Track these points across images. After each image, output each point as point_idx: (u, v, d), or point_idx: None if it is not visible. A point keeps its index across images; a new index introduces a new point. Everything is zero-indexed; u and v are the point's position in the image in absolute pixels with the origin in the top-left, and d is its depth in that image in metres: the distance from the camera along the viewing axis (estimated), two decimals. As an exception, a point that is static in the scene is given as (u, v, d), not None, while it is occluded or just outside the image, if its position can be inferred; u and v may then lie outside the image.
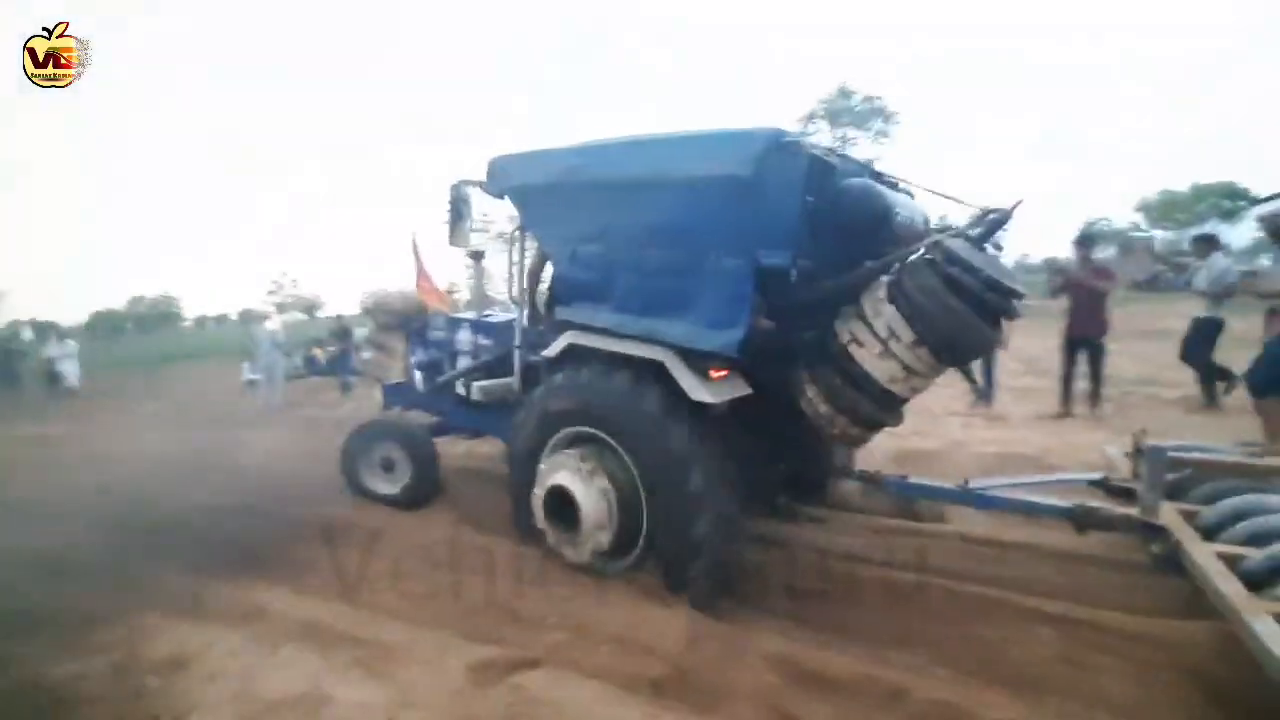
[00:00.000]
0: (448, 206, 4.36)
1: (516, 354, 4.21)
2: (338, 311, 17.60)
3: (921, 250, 2.97)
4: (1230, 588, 2.31)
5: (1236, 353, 6.26)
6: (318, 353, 15.92)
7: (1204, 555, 2.56)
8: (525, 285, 4.19)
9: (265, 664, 2.73)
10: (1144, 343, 10.52)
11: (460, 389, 4.64)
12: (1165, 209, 41.07)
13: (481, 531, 4.02)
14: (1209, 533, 2.80)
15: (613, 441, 3.27)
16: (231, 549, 4.08)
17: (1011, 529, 3.98)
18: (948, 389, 8.76)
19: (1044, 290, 7.90)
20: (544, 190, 3.64)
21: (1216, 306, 6.73)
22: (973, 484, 3.55)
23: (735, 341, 2.90)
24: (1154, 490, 2.94)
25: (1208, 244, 7.07)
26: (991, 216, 3.09)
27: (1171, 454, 3.10)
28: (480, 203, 4.33)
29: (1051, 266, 7.63)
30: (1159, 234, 41.33)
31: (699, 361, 3.09)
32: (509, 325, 4.44)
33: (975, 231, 3.07)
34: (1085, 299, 6.87)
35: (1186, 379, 7.28)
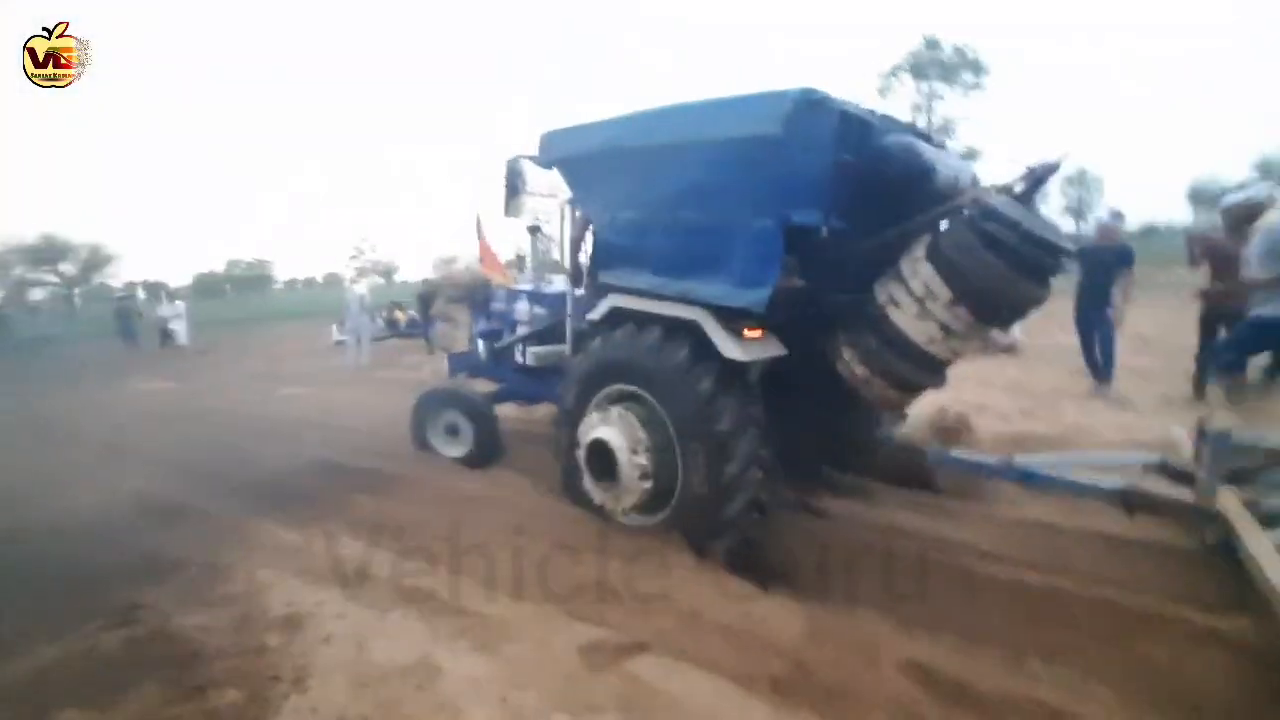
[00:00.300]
0: (504, 180, 4.55)
1: (568, 321, 4.37)
2: (425, 276, 18.06)
3: (956, 209, 2.90)
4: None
5: None
6: (399, 315, 16.53)
7: (1261, 545, 2.40)
8: (570, 253, 4.33)
9: (375, 629, 2.75)
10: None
11: (518, 356, 4.93)
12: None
13: (573, 505, 3.96)
14: (1270, 522, 2.61)
15: (651, 397, 3.36)
16: (331, 507, 4.20)
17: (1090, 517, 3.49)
18: (1052, 366, 8.14)
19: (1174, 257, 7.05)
20: (588, 160, 3.77)
21: None
22: (1018, 460, 3.39)
23: (763, 298, 2.94)
24: (1213, 475, 2.78)
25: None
26: (1036, 170, 2.96)
27: (1237, 439, 2.93)
28: (535, 177, 4.51)
29: (1192, 235, 6.76)
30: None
31: (733, 321, 3.14)
32: (561, 295, 4.66)
33: (1019, 187, 2.95)
34: (1229, 269, 6.07)
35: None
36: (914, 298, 2.88)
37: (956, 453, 3.66)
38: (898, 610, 2.71)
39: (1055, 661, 2.42)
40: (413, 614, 2.87)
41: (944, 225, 3.01)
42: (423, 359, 11.93)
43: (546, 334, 4.79)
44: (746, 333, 3.14)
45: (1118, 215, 6.81)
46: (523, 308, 5.19)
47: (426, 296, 13.97)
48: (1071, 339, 9.66)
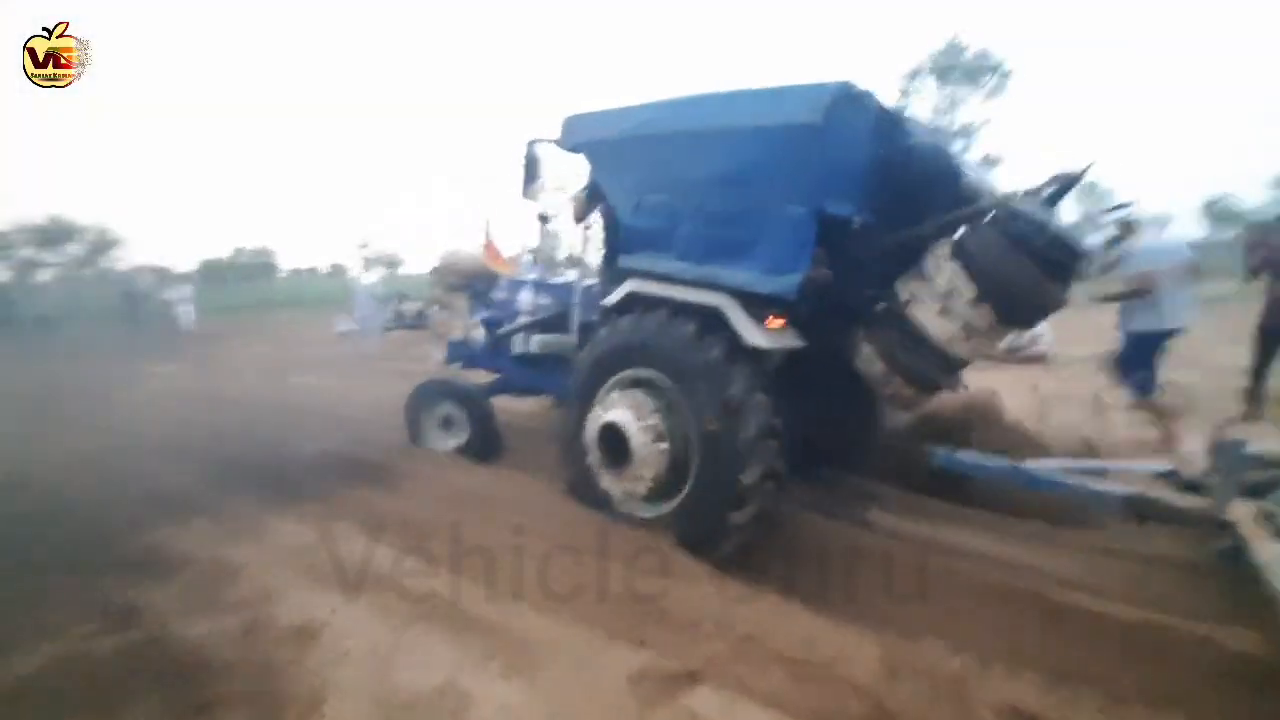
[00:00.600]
0: (522, 163, 4.48)
1: (575, 310, 4.34)
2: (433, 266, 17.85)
3: (984, 210, 2.95)
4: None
5: None
6: (407, 307, 16.27)
7: (1273, 554, 2.34)
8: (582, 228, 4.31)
9: (396, 645, 2.49)
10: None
11: (518, 346, 4.89)
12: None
13: (576, 501, 3.70)
14: None
15: (668, 381, 3.28)
16: (344, 503, 3.95)
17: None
18: (1087, 376, 7.86)
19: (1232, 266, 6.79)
20: (615, 144, 3.74)
21: None
22: (1026, 464, 3.32)
23: (794, 285, 2.94)
24: (1226, 485, 2.76)
25: None
26: (1062, 178, 3.03)
27: (1252, 451, 2.89)
28: (552, 162, 4.45)
29: (1251, 238, 6.48)
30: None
31: (756, 309, 3.13)
32: (568, 285, 4.68)
33: (1046, 192, 3.01)
34: None
35: None
36: (937, 295, 2.89)
37: (963, 454, 3.57)
38: (977, 643, 2.44)
39: (1161, 709, 2.16)
40: (436, 628, 2.61)
41: (967, 228, 3.03)
42: (430, 350, 11.70)
43: (550, 324, 4.73)
44: (768, 321, 3.13)
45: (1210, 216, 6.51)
46: (526, 297, 5.10)
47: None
48: (1098, 347, 9.51)
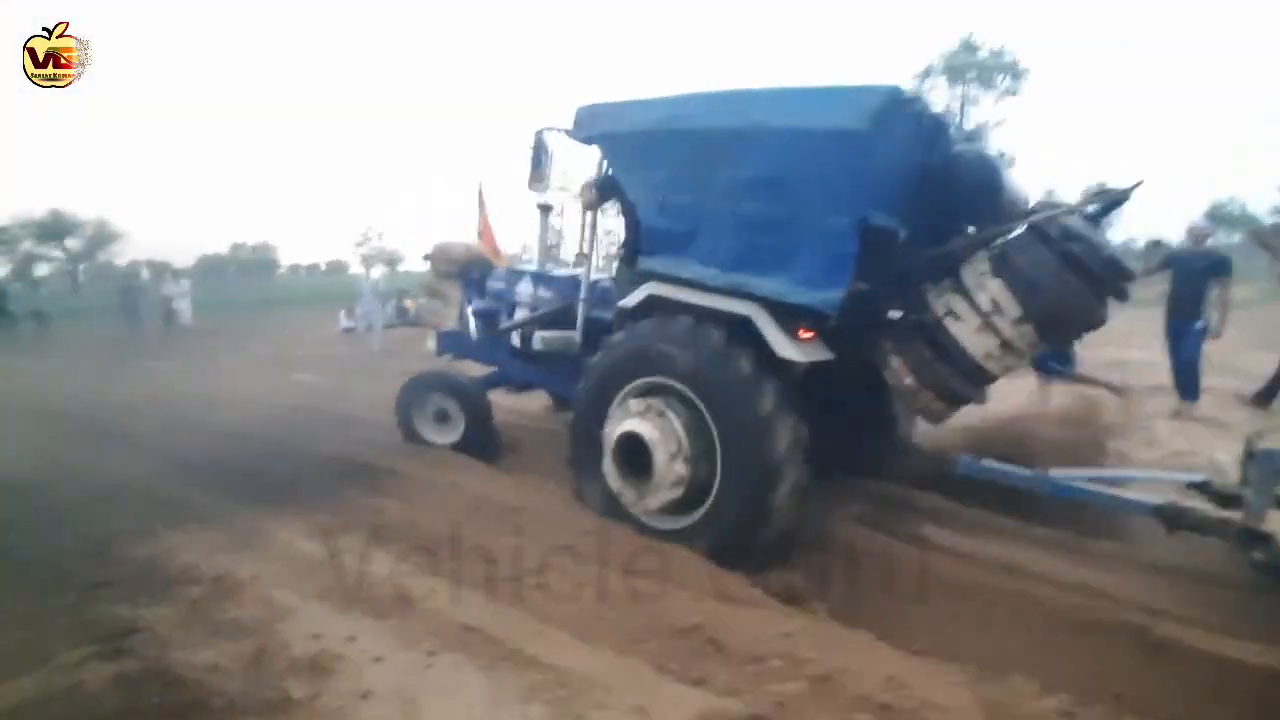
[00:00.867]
0: (530, 152, 4.33)
1: (581, 306, 4.15)
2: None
3: (1028, 225, 2.84)
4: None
5: None
6: (409, 304, 16.02)
7: None
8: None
9: (423, 681, 2.22)
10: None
11: (516, 341, 4.68)
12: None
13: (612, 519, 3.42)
14: None
15: (692, 394, 3.13)
16: (355, 513, 3.68)
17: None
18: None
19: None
20: (636, 138, 3.53)
21: None
22: (1054, 473, 3.17)
23: (835, 300, 2.82)
24: (1262, 496, 2.67)
25: None
26: (1110, 194, 2.99)
27: None
28: (560, 152, 4.32)
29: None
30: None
31: (787, 320, 3.01)
32: (573, 279, 4.44)
33: (1091, 208, 2.97)
34: None
35: None
36: (977, 311, 2.80)
37: (987, 462, 3.41)
38: (1071, 681, 2.18)
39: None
40: (466, 660, 2.33)
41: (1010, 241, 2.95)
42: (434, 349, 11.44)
43: (552, 319, 4.50)
44: (800, 333, 3.01)
45: (1211, 219, 6.30)
46: (525, 289, 4.85)
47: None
48: (1127, 354, 9.29)
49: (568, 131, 3.94)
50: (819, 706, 2.03)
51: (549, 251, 5.31)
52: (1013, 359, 2.90)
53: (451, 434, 4.79)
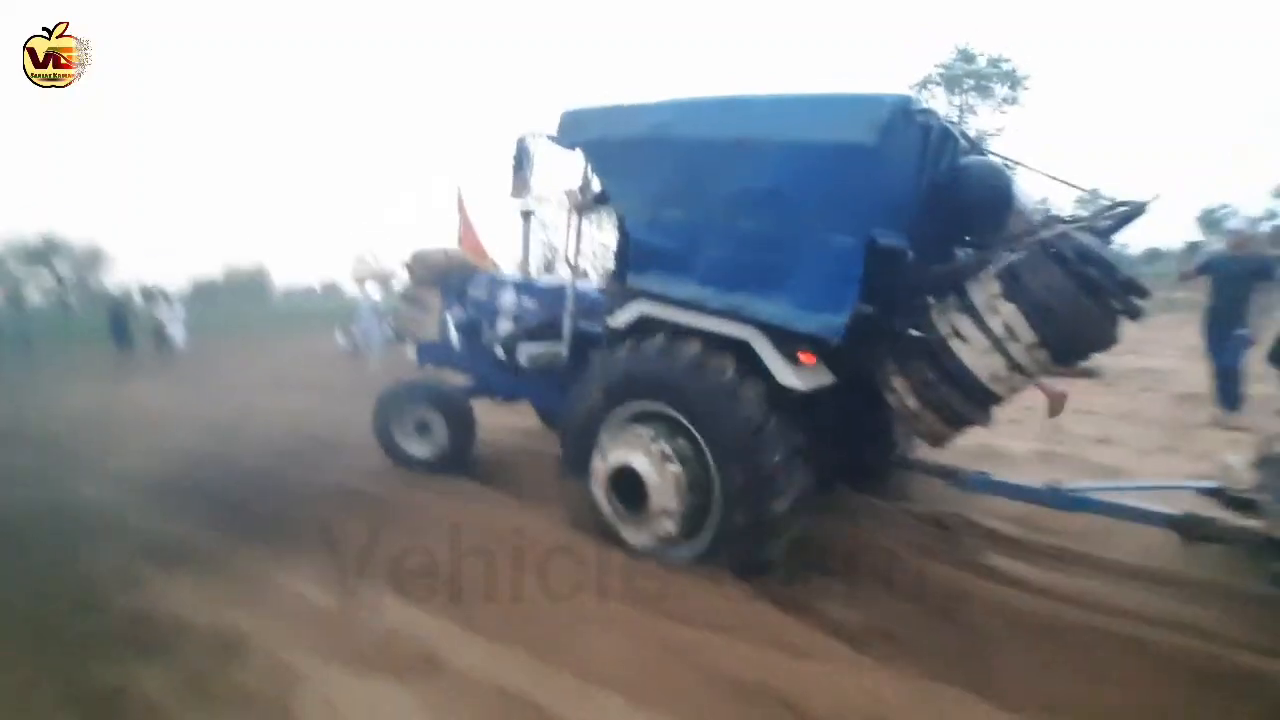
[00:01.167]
0: (513, 157, 4.17)
1: (567, 319, 3.97)
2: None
3: (1040, 242, 2.67)
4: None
5: None
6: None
7: None
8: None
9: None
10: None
11: (499, 352, 4.53)
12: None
13: (675, 567, 3.06)
14: None
15: (684, 420, 3.02)
16: (370, 555, 3.34)
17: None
18: (1148, 391, 7.40)
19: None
20: (625, 145, 3.33)
21: None
22: (1066, 486, 3.15)
23: (839, 326, 2.68)
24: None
25: None
26: (1123, 210, 2.90)
27: None
28: (542, 158, 4.15)
29: None
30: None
31: (787, 344, 2.87)
32: (559, 289, 4.25)
33: (1103, 224, 2.89)
34: None
35: None
36: (986, 333, 2.68)
37: (997, 476, 3.39)
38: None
39: None
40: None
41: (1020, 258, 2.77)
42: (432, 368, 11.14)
43: (538, 331, 4.34)
44: (801, 357, 2.87)
45: (1253, 223, 6.10)
46: (508, 299, 4.68)
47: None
48: (1145, 361, 9.09)
49: (551, 137, 3.76)
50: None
51: (546, 258, 5.15)
52: (1020, 380, 2.78)
53: (431, 446, 4.73)
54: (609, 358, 3.32)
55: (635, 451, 3.07)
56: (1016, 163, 3.58)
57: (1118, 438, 5.36)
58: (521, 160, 4.15)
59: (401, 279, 5.84)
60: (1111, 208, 2.97)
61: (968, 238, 3.16)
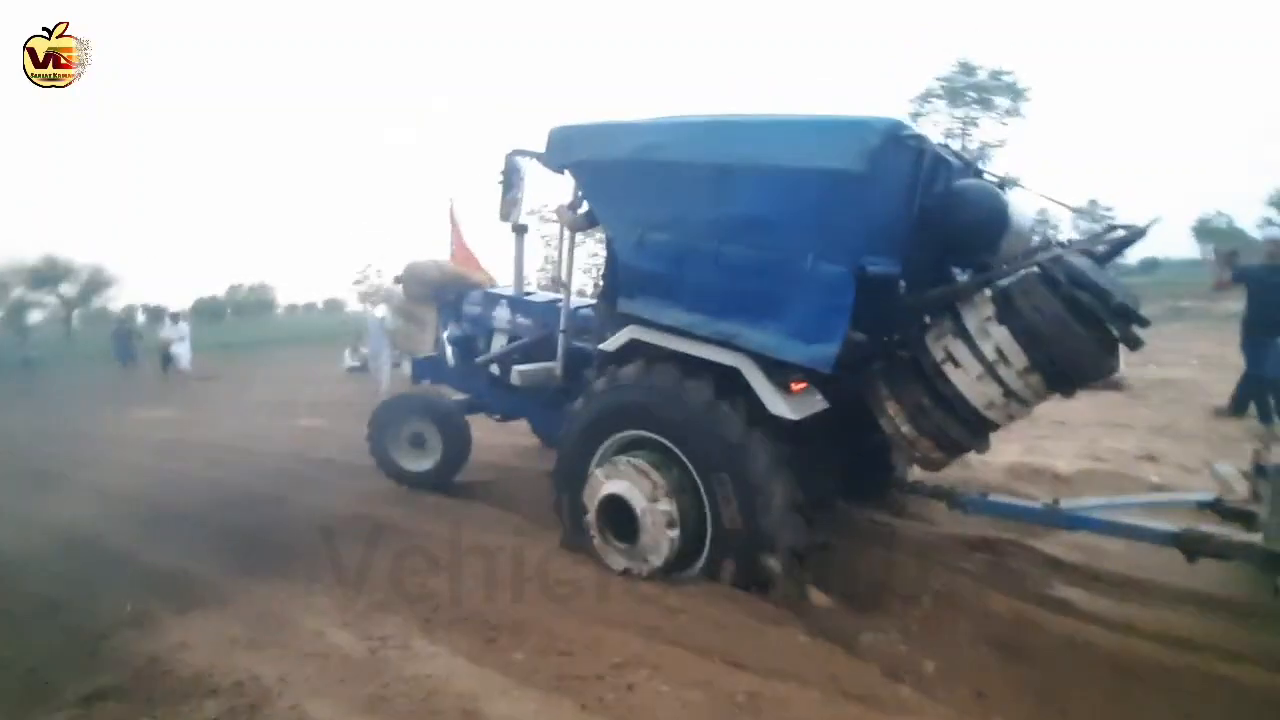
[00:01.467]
0: (500, 176, 4.13)
1: (561, 338, 3.96)
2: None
3: (1035, 266, 2.63)
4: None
5: None
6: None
7: None
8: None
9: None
10: None
11: (494, 370, 4.52)
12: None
13: (717, 599, 2.86)
14: None
15: (676, 449, 3.02)
16: (395, 591, 3.14)
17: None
18: (1176, 403, 7.21)
19: None
20: (614, 167, 3.28)
21: None
22: (1064, 504, 3.09)
23: (829, 357, 2.60)
24: (1278, 515, 2.51)
25: None
26: (1121, 235, 2.88)
27: None
28: (532, 175, 4.12)
29: None
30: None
31: (779, 372, 2.82)
32: (553, 306, 4.24)
33: (1100, 249, 2.85)
34: None
35: None
36: (980, 360, 2.62)
37: (995, 497, 3.39)
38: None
39: None
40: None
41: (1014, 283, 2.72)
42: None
43: (532, 350, 4.30)
44: (793, 385, 2.83)
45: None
46: (503, 314, 4.69)
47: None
48: (1167, 372, 8.92)
49: (539, 157, 3.71)
50: None
51: (524, 274, 5.03)
52: (1017, 407, 2.72)
53: (427, 460, 4.77)
54: (601, 383, 3.30)
55: (625, 482, 3.04)
56: (1012, 182, 3.55)
57: (1159, 453, 5.17)
58: (511, 179, 4.10)
59: (397, 295, 5.68)
60: (1110, 231, 2.94)
61: (963, 260, 3.10)
